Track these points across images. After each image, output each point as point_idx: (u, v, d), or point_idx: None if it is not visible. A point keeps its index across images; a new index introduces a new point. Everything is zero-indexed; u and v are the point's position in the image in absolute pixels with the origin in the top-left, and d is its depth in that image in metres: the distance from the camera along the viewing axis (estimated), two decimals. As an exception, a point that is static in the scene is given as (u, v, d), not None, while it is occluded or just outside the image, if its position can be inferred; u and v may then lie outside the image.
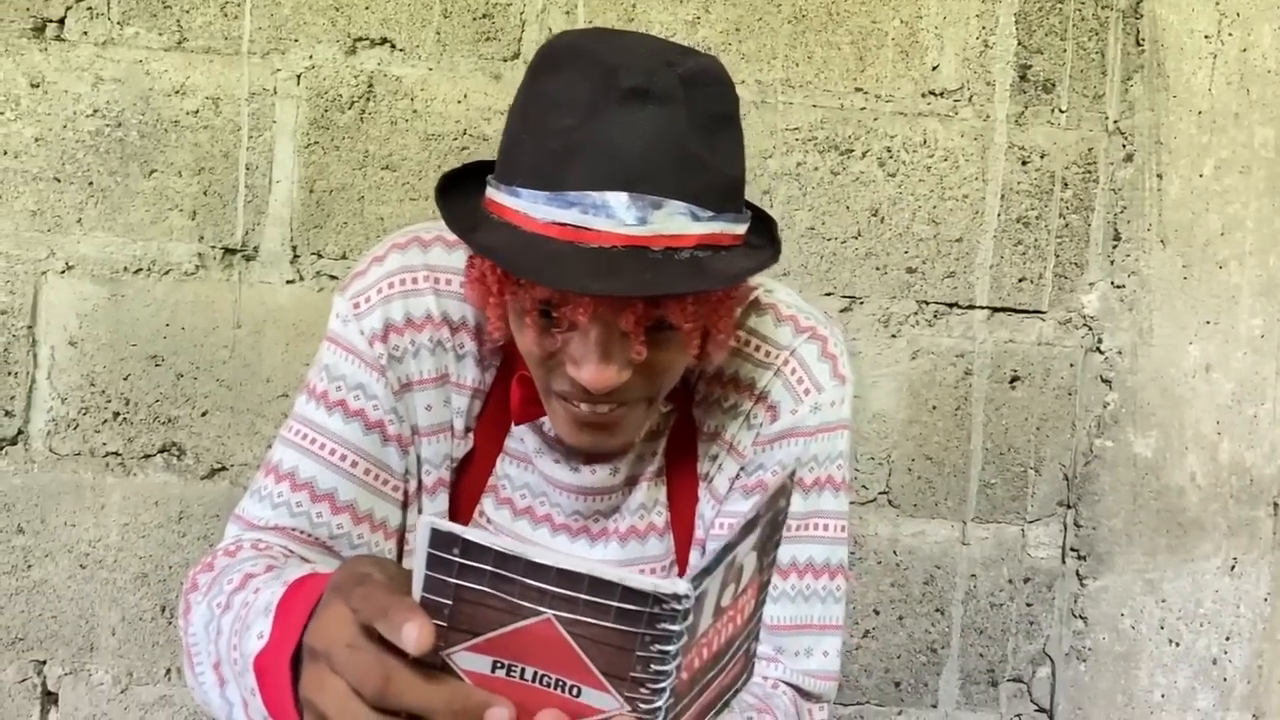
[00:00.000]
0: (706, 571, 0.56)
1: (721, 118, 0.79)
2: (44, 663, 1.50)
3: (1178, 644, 1.64)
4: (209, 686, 0.74)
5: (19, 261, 1.47)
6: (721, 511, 0.97)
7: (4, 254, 1.46)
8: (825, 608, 0.96)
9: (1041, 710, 1.63)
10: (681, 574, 0.99)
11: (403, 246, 0.90)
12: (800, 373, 0.94)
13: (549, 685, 0.57)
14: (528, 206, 0.76)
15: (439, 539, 0.53)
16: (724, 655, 0.64)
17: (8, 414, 1.47)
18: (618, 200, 0.74)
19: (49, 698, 1.51)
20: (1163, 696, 1.64)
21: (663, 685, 0.57)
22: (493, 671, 0.57)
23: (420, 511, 0.96)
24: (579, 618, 0.54)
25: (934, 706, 1.62)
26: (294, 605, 0.65)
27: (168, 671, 1.52)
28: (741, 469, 0.95)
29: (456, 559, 0.53)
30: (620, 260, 0.75)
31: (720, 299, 0.82)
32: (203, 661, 0.74)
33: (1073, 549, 1.61)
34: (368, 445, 0.90)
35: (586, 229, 0.75)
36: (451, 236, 0.88)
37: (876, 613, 1.59)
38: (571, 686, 0.57)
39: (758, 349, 0.95)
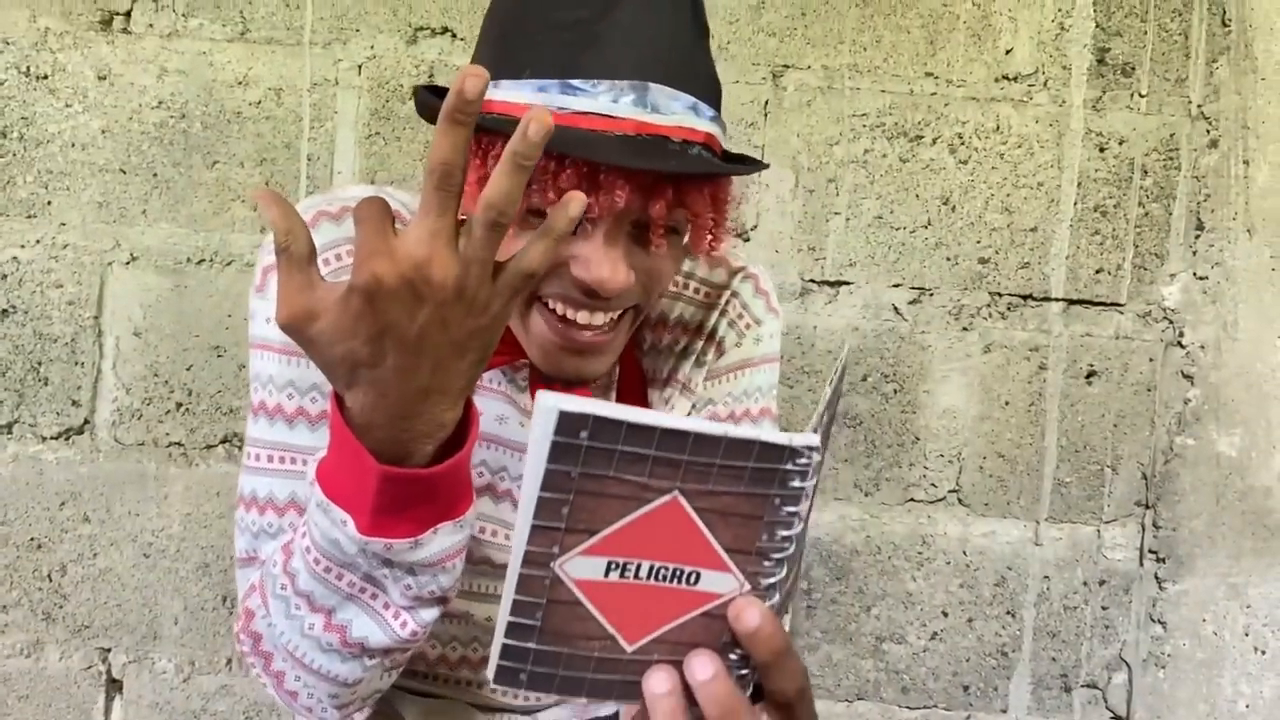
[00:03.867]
0: (820, 424, 0.55)
1: (707, 29, 0.82)
2: (109, 650, 1.51)
3: (1264, 651, 1.57)
4: (327, 636, 0.69)
5: (86, 252, 1.48)
6: None
7: (72, 245, 1.48)
8: None
9: (1118, 718, 1.57)
10: None
11: (335, 216, 0.83)
12: (741, 309, 0.99)
13: (665, 579, 0.55)
14: (543, 98, 0.74)
15: (567, 423, 0.49)
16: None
17: (75, 403, 1.49)
18: (642, 89, 0.74)
19: (114, 685, 1.52)
20: (1247, 707, 1.57)
21: (787, 553, 0.55)
22: (606, 575, 0.55)
23: None
24: (710, 488, 0.53)
25: (1004, 711, 1.56)
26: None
27: (229, 661, 1.52)
28: (693, 405, 0.99)
29: (584, 443, 0.50)
30: (649, 146, 0.74)
31: (727, 195, 0.82)
32: (313, 625, 0.69)
33: (1151, 551, 1.55)
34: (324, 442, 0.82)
35: (611, 116, 0.73)
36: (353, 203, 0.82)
37: (945, 614, 1.55)
38: (690, 574, 0.55)
39: (697, 291, 1.00)
